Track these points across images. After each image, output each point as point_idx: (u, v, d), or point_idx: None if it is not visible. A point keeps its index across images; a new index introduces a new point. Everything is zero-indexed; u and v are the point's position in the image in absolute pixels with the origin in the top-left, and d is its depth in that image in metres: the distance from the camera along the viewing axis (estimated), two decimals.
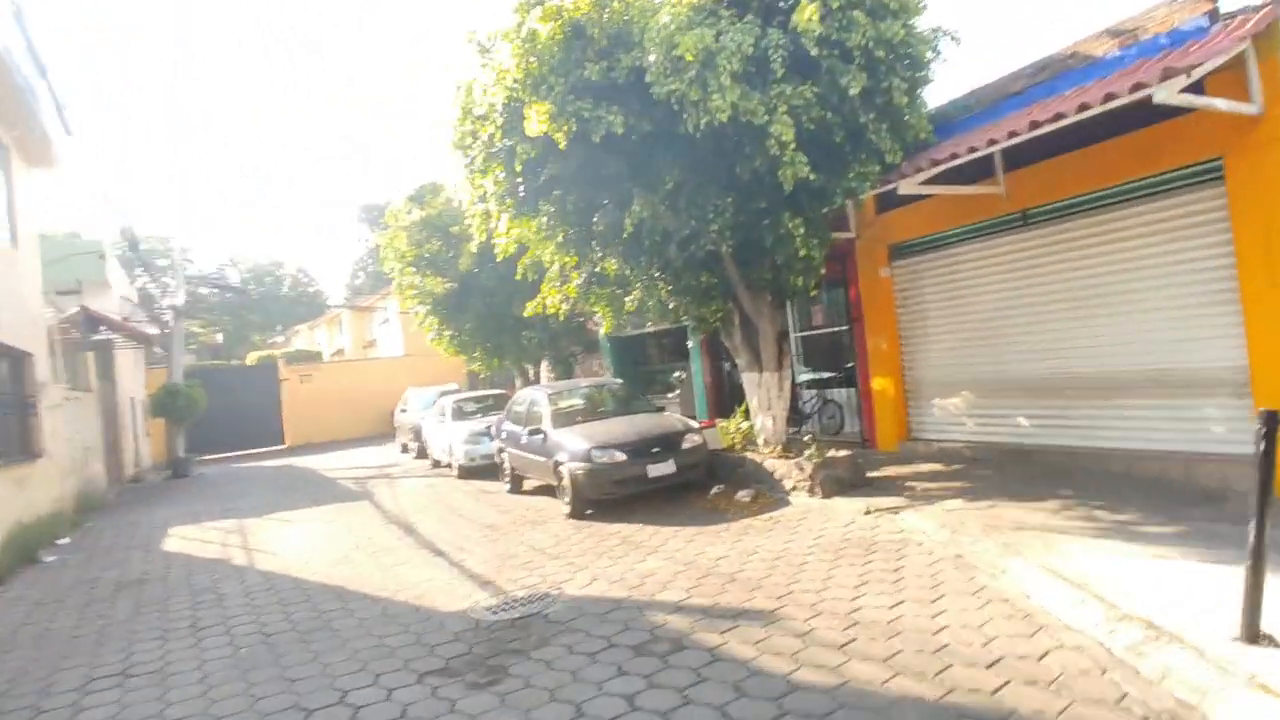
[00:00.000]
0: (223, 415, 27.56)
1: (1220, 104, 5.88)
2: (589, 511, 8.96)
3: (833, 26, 6.57)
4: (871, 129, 7.01)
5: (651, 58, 6.59)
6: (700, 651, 4.46)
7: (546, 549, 7.65)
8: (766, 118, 6.39)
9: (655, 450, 8.78)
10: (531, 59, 7.09)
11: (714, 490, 9.09)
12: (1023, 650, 3.98)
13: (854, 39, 6.54)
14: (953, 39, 7.56)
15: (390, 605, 6.26)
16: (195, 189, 77.60)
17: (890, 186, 7.33)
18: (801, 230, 7.40)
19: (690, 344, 14.58)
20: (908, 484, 8.20)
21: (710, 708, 3.75)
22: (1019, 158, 7.97)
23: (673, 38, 6.46)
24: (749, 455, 9.36)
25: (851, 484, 8.25)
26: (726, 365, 13.91)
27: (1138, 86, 5.26)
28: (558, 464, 9.11)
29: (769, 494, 8.61)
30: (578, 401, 10.77)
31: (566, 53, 7.05)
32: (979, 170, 8.15)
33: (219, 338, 54.29)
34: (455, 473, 14.14)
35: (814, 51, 6.46)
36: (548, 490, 10.28)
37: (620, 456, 8.62)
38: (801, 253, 7.56)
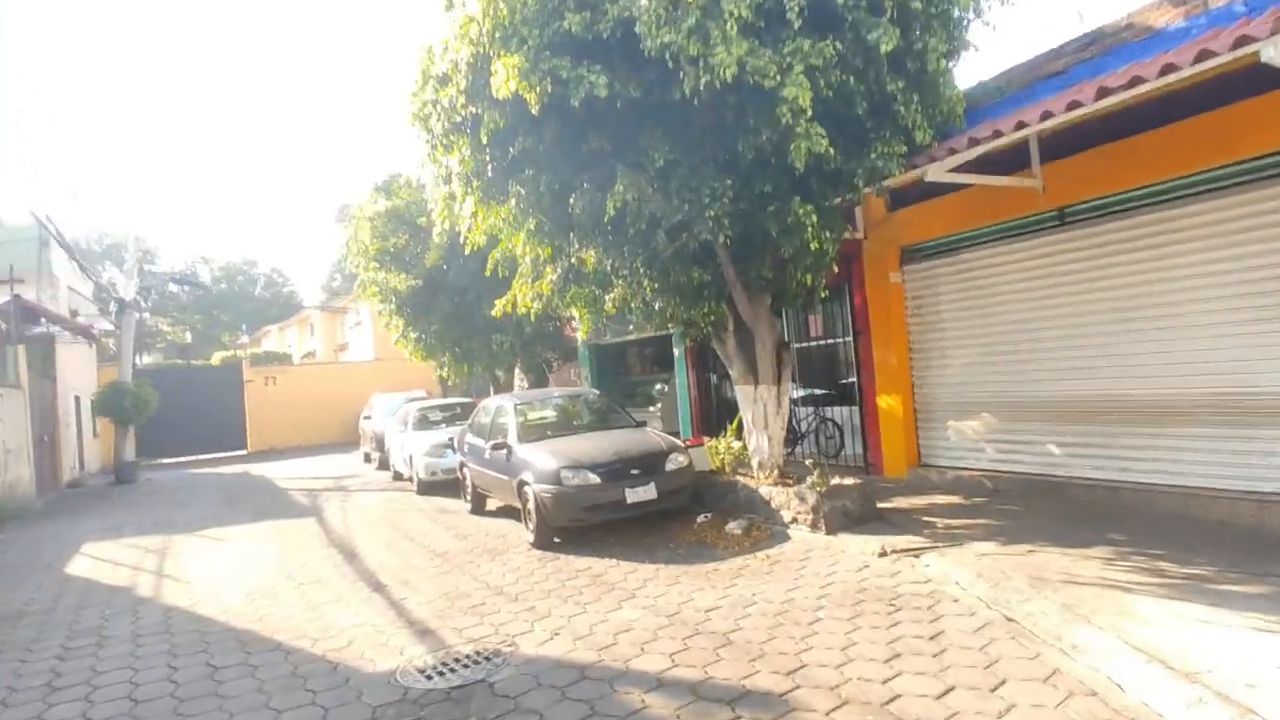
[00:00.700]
0: (182, 417, 26.12)
1: None
2: (556, 540, 7.79)
3: None
4: (900, 99, 5.95)
5: (643, 2, 5.49)
6: None
7: (504, 587, 6.48)
8: (778, 79, 5.30)
9: (634, 472, 7.64)
10: (501, 6, 5.97)
11: (700, 519, 7.97)
12: None
13: None
14: None
15: (303, 661, 5.05)
16: (167, 184, 75.62)
17: (919, 171, 6.26)
18: (813, 218, 6.31)
19: (675, 353, 13.48)
20: (925, 519, 7.11)
21: None
22: (1058, 148, 6.98)
23: None
24: (741, 480, 8.24)
25: (860, 517, 7.16)
26: (714, 377, 12.82)
27: (1243, 41, 4.24)
28: (522, 484, 7.94)
29: (764, 526, 7.50)
30: (549, 414, 9.61)
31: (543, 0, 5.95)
32: (1012, 162, 7.14)
33: (187, 336, 52.69)
34: (415, 487, 12.91)
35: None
36: (513, 512, 9.11)
37: (593, 479, 7.47)
38: (812, 245, 6.47)
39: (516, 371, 15.83)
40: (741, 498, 8.08)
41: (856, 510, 7.23)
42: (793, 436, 10.85)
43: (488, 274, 10.04)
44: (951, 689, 3.72)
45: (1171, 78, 4.64)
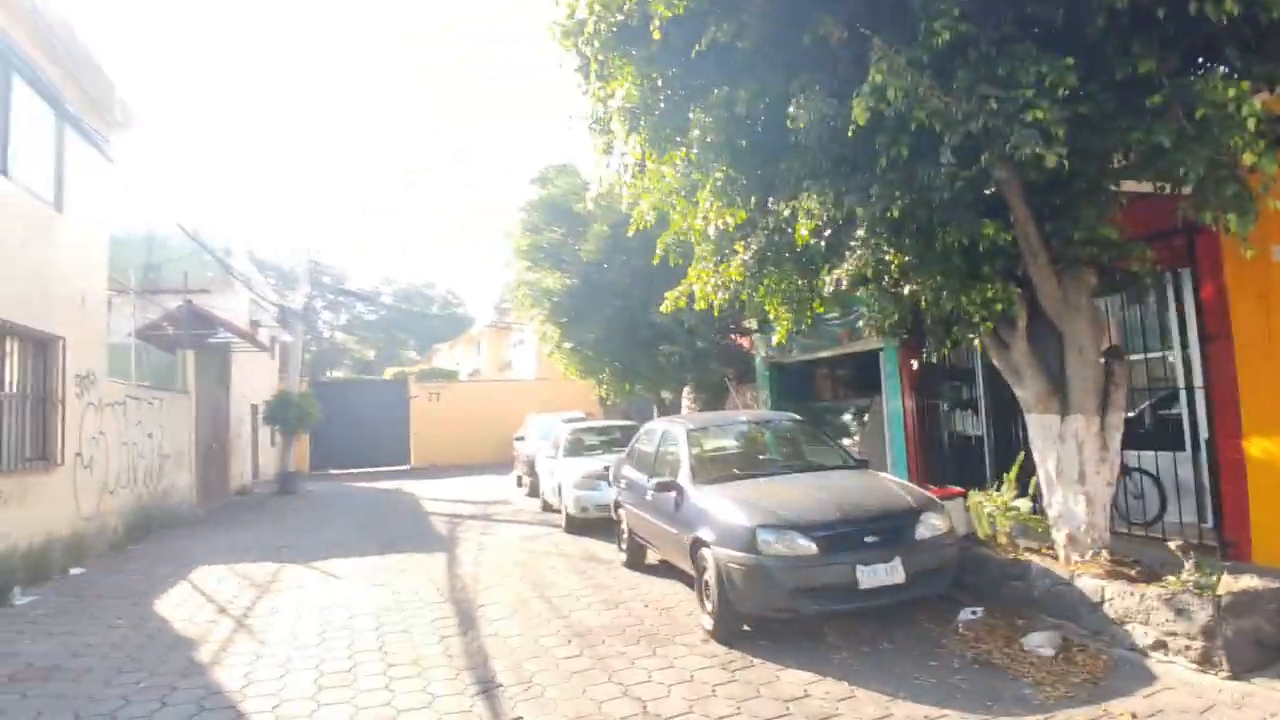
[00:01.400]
0: (352, 429, 26.44)
1: None
2: (746, 628, 5.29)
3: None
4: None
5: None
6: None
7: (662, 713, 4.08)
8: None
9: (869, 539, 4.97)
10: None
11: (966, 616, 5.17)
12: None
13: None
14: None
15: None
16: (354, 209, 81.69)
17: None
18: (1254, 108, 3.44)
19: (885, 371, 10.58)
20: None
21: None
22: None
23: None
24: (1034, 560, 5.33)
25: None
26: (944, 405, 9.78)
27: None
28: (698, 544, 5.51)
29: (1092, 648, 4.56)
30: (733, 445, 7.12)
31: None
32: None
33: (371, 354, 55.83)
34: (564, 524, 10.89)
35: None
36: (681, 572, 6.73)
37: (807, 546, 4.89)
38: (1246, 158, 3.57)
39: (686, 392, 13.48)
40: (1037, 589, 5.17)
41: (1276, 635, 4.14)
42: None
43: (656, 261, 7.85)
44: None
45: None
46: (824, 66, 4.57)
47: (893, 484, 5.78)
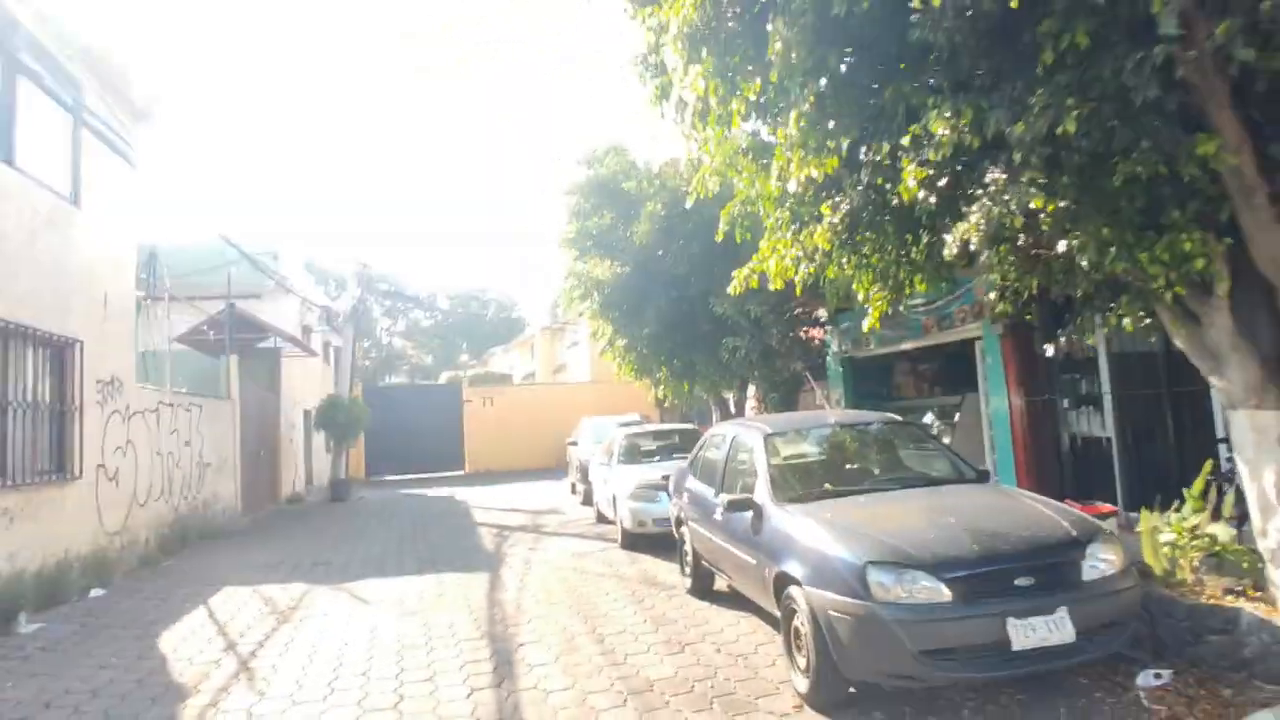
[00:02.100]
0: (407, 434, 26.03)
1: None
2: (852, 690, 4.09)
3: None
4: None
5: None
6: None
7: None
8: None
9: (1023, 582, 3.71)
10: None
11: (1148, 681, 3.87)
12: None
13: None
14: None
15: None
16: (412, 216, 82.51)
17: None
18: None
19: (984, 364, 9.18)
20: None
21: None
22: None
23: None
24: (1242, 605, 3.98)
25: None
26: (1065, 403, 8.33)
27: None
28: (785, 580, 4.32)
29: None
30: (820, 452, 5.86)
31: None
32: None
33: (429, 359, 56.09)
34: (619, 538, 9.80)
35: None
36: (758, 604, 5.56)
37: (939, 591, 3.65)
38: None
39: (751, 391, 12.21)
40: (1250, 647, 3.82)
41: None
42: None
43: (719, 238, 6.73)
44: None
45: None
46: None
47: (1038, 504, 4.47)
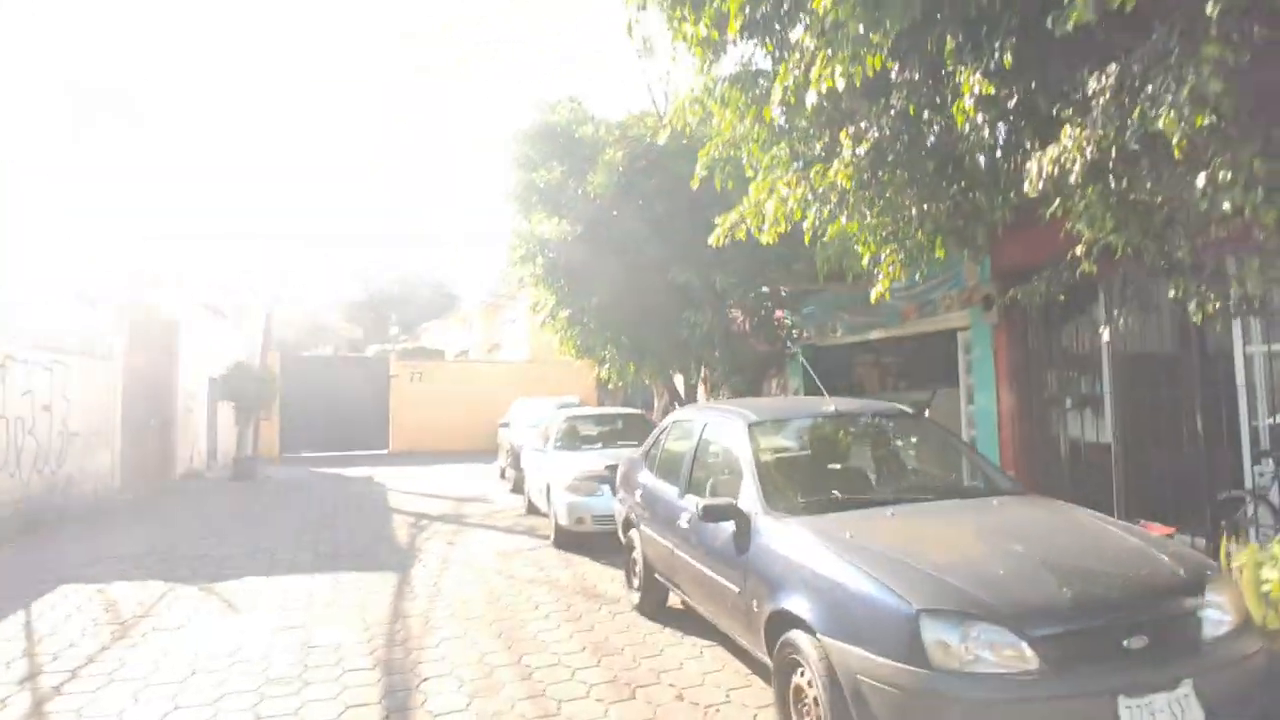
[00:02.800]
0: (326, 410, 24.06)
1: None
2: None
3: None
4: None
5: None
6: None
7: None
8: None
9: (1134, 644, 2.63)
10: None
11: None
12: None
13: None
14: None
15: None
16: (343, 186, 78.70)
17: None
18: None
19: (971, 355, 8.27)
20: None
21: None
22: None
23: None
24: None
25: None
26: (1069, 401, 7.43)
27: None
28: (784, 620, 3.16)
29: None
30: (817, 448, 4.68)
31: None
32: None
33: (359, 332, 53.37)
34: (552, 536, 8.55)
35: None
36: (719, 632, 4.41)
37: (1020, 653, 2.55)
38: None
39: (705, 375, 11.02)
40: None
41: None
42: (1237, 510, 5.47)
43: (696, 184, 5.53)
44: None
45: None
46: None
47: (1116, 529, 3.41)
